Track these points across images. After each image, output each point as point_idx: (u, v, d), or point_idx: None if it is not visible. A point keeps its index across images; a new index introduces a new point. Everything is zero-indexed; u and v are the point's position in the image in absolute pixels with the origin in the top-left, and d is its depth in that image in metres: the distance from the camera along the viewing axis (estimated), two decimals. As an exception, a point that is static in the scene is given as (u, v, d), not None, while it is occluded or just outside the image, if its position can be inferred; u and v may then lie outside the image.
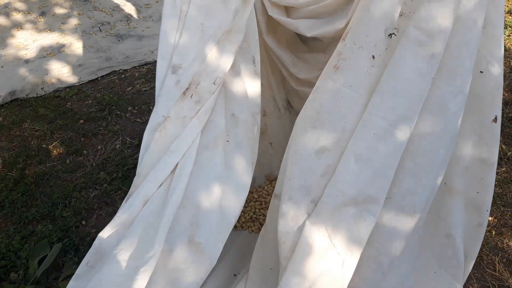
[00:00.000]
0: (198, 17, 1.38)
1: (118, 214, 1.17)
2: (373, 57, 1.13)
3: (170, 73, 1.32)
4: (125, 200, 1.24)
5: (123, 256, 1.09)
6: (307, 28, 1.45)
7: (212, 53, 1.35)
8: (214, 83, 1.33)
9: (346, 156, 1.13)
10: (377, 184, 1.12)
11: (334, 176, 1.14)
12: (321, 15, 1.42)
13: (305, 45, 1.85)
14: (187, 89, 1.31)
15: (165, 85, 1.32)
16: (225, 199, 1.31)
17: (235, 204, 1.33)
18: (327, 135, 1.17)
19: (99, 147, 2.33)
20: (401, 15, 1.11)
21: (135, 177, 1.26)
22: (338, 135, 1.15)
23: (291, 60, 1.69)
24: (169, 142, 1.25)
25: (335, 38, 1.62)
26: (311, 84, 1.46)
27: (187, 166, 1.23)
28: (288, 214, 1.19)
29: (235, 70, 1.42)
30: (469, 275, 1.65)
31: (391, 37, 1.12)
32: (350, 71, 1.15)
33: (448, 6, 1.04)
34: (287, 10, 1.53)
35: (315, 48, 1.80)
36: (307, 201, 1.18)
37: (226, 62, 1.36)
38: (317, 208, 1.15)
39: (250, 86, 1.46)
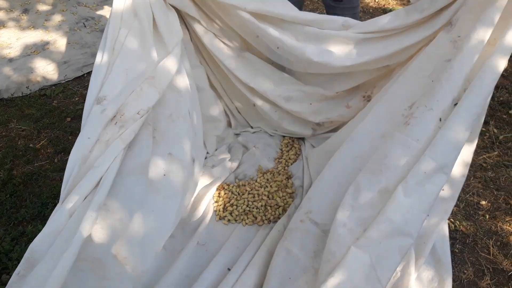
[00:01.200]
0: (124, 61, 1.53)
1: (46, 225, 1.21)
2: (440, 119, 1.31)
3: (95, 103, 1.44)
4: (53, 213, 1.25)
5: (50, 262, 1.11)
6: (315, 53, 1.68)
7: (135, 92, 1.49)
8: (138, 113, 1.45)
9: (397, 189, 1.25)
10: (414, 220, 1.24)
11: (385, 206, 1.25)
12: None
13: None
14: (112, 118, 1.41)
15: (91, 113, 1.42)
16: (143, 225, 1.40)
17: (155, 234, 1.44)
18: (390, 177, 1.31)
19: (88, 144, 2.28)
20: (464, 90, 1.30)
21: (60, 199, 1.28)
22: (399, 178, 1.29)
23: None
24: (94, 162, 1.32)
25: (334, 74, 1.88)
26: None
27: (108, 178, 1.28)
28: (339, 238, 1.28)
29: (171, 118, 1.64)
30: (463, 259, 1.66)
31: (455, 105, 1.31)
32: (419, 127, 1.32)
33: None
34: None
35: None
36: (360, 229, 1.29)
37: (151, 99, 1.50)
38: (365, 233, 1.25)
39: (187, 133, 1.67)
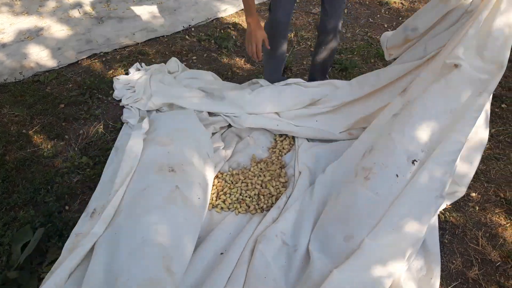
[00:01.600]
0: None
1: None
2: (397, 175, 1.48)
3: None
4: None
5: None
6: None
7: None
8: None
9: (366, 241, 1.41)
10: None
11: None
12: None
13: None
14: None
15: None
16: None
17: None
18: (353, 226, 1.48)
19: (81, 131, 2.28)
20: (422, 151, 1.49)
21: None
22: (362, 227, 1.46)
23: None
24: None
25: None
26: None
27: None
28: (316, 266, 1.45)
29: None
30: (452, 250, 1.68)
31: (414, 164, 1.49)
32: (378, 182, 1.50)
33: None
34: None
35: None
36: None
37: None
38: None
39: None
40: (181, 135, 1.87)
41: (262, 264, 1.46)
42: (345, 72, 2.65)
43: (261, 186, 1.87)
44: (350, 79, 2.57)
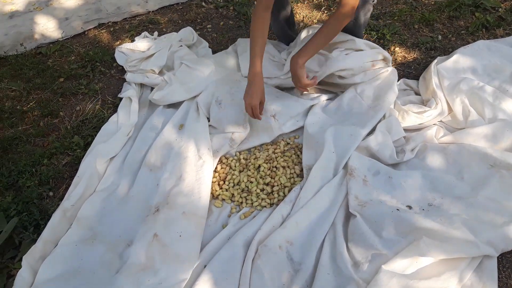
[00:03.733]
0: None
1: None
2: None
3: None
4: None
5: None
6: None
7: None
8: None
9: None
10: None
11: None
12: None
13: None
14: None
15: None
16: None
17: None
18: None
19: (78, 107, 2.04)
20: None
21: None
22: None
23: None
24: None
25: None
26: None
27: None
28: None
29: None
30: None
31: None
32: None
33: None
34: None
35: None
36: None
37: None
38: None
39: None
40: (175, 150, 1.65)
41: (258, 282, 1.15)
42: (383, 40, 2.24)
43: (271, 176, 1.55)
44: (389, 48, 2.17)
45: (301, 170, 1.56)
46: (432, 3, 2.48)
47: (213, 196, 1.52)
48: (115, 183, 1.60)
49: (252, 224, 1.35)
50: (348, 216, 1.38)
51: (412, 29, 2.30)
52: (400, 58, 2.12)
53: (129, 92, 1.94)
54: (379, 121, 1.64)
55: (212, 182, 1.55)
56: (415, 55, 2.12)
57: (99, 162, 1.64)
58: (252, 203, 1.47)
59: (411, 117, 1.67)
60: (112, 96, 2.08)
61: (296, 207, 1.37)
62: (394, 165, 1.55)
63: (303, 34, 1.99)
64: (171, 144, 1.67)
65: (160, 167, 1.60)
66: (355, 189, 1.41)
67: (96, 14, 2.78)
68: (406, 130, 1.65)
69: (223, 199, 1.51)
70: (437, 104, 1.70)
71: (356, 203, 1.38)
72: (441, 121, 1.71)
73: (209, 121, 1.77)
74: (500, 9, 2.31)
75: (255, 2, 2.48)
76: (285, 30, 2.07)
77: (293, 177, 1.54)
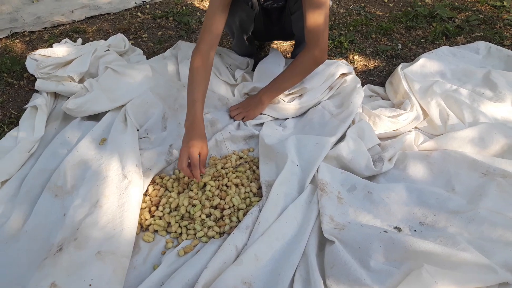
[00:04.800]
0: None
1: None
2: None
3: None
4: None
5: None
6: None
7: None
8: None
9: None
10: None
11: None
12: None
13: None
14: None
15: None
16: None
17: None
18: None
19: (-31, 124, 1.58)
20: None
21: None
22: None
23: None
24: None
25: None
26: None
27: None
28: None
29: None
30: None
31: None
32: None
33: None
34: None
35: None
36: None
37: None
38: None
39: None
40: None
41: None
42: (340, 48, 2.03)
43: (221, 196, 1.20)
44: (348, 56, 1.96)
45: (259, 188, 1.22)
46: (387, 14, 2.35)
47: (142, 228, 1.13)
48: (5, 215, 1.17)
49: (195, 262, 0.97)
50: (323, 242, 1.05)
51: (370, 39, 2.12)
52: (360, 66, 1.91)
53: (36, 101, 1.53)
54: (349, 127, 1.37)
55: (141, 208, 1.17)
56: (376, 63, 1.92)
57: (-17, 188, 1.20)
58: (195, 234, 1.10)
59: (385, 122, 1.41)
60: (16, 109, 1.65)
61: (254, 234, 1.02)
62: (371, 178, 1.27)
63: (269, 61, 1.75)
64: (87, 162, 1.27)
65: (69, 191, 1.20)
66: (329, 208, 1.10)
67: (10, 23, 2.36)
68: (379, 138, 1.39)
69: (156, 230, 1.12)
70: (412, 106, 1.47)
71: (332, 226, 1.06)
72: (416, 127, 1.48)
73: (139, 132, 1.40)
74: (456, 20, 2.21)
75: (197, 35, 2.21)
76: (241, 40, 1.73)
77: (249, 197, 1.19)
